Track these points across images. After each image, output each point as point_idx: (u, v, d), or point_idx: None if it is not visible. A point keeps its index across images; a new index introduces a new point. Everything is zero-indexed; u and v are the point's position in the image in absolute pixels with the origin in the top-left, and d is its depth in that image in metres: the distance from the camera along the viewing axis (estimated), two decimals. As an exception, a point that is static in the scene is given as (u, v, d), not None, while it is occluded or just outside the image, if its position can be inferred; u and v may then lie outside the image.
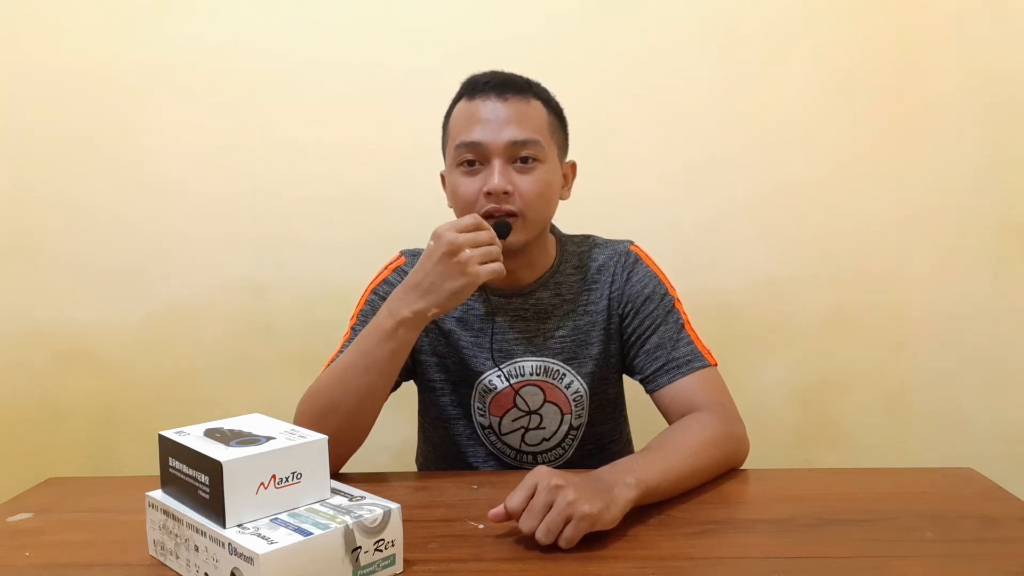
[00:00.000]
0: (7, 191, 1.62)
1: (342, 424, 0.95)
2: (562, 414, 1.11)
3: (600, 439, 1.15)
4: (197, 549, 0.70)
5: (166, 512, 0.74)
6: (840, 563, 0.73)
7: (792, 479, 1.03)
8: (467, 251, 0.92)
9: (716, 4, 1.54)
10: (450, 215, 1.05)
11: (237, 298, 1.62)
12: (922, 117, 1.54)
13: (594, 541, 0.77)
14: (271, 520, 0.69)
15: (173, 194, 1.61)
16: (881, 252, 1.56)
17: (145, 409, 1.64)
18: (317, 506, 0.72)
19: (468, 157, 1.02)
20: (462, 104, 1.05)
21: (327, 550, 0.66)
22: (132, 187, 1.61)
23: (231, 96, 1.59)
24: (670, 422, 1.04)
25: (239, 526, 0.67)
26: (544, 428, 1.11)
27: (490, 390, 1.10)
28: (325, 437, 0.74)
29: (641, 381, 1.10)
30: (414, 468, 1.28)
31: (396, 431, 1.36)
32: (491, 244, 0.94)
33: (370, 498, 0.73)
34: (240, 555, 0.64)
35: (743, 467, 1.01)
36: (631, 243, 1.15)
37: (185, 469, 0.71)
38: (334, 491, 0.75)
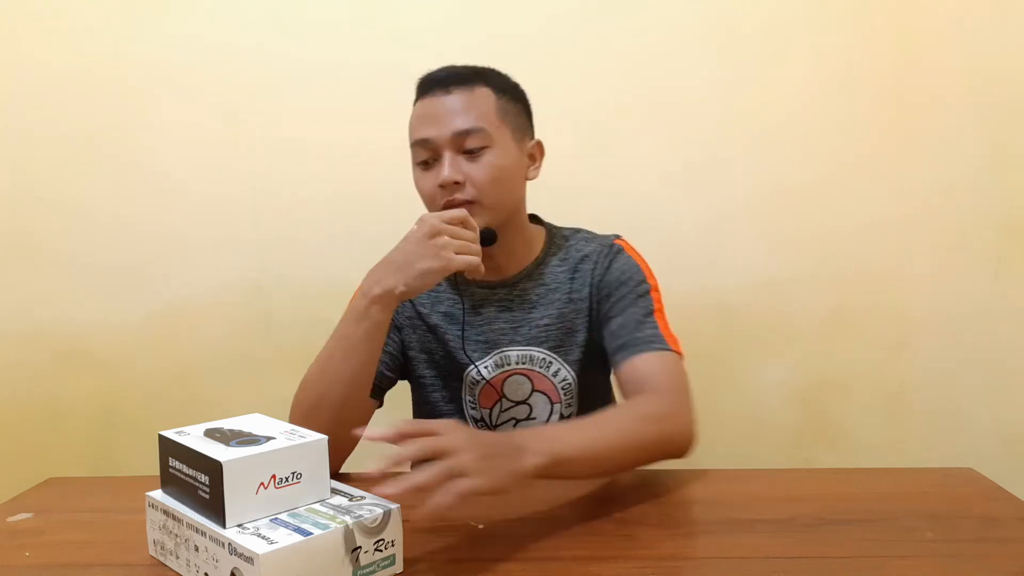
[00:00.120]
0: (7, 191, 1.62)
1: (332, 418, 0.96)
2: (551, 403, 1.11)
3: None
4: (197, 549, 0.70)
5: (166, 512, 0.74)
6: (840, 563, 0.73)
7: (792, 479, 1.03)
8: (446, 237, 0.95)
9: (716, 4, 1.54)
10: None
11: (237, 298, 1.62)
12: (922, 117, 1.54)
13: (595, 541, 0.77)
14: (271, 520, 0.69)
15: (173, 194, 1.61)
16: (881, 252, 1.56)
17: (145, 409, 1.64)
18: (317, 506, 0.72)
19: (422, 155, 1.05)
20: (416, 105, 1.07)
21: (327, 550, 0.66)
22: (132, 187, 1.61)
23: (231, 96, 1.59)
24: None
25: (239, 526, 0.67)
26: (535, 419, 1.12)
27: (477, 381, 1.11)
28: (325, 437, 0.74)
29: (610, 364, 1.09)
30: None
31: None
32: (472, 241, 0.97)
33: (370, 498, 0.74)
34: (240, 555, 0.64)
35: (744, 468, 1.01)
36: (618, 236, 1.16)
37: (185, 469, 0.71)
38: (334, 491, 0.75)
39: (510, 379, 1.10)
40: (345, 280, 1.01)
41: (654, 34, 1.55)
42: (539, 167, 1.12)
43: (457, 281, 1.13)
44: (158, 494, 0.76)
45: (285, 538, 0.65)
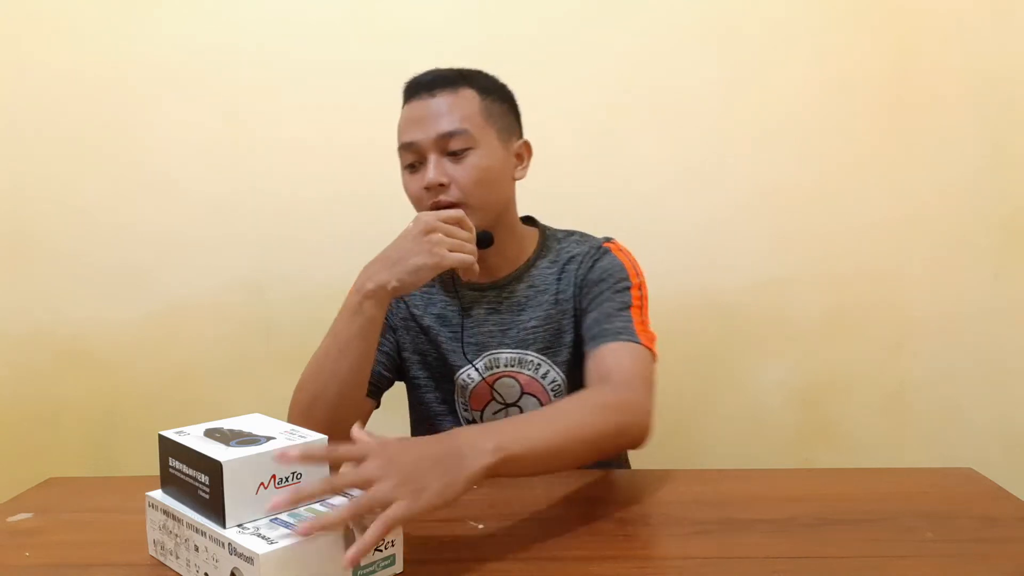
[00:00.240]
0: (7, 191, 1.62)
1: (330, 416, 0.96)
2: (541, 405, 1.11)
3: None
4: (197, 549, 0.70)
5: (166, 512, 0.74)
6: (840, 563, 0.73)
7: (792, 479, 1.03)
8: (440, 235, 0.95)
9: (716, 4, 1.54)
10: None
11: (237, 298, 1.62)
12: (922, 117, 1.54)
13: (595, 541, 0.77)
14: (271, 520, 0.69)
15: (173, 194, 1.61)
16: (881, 252, 1.56)
17: (145, 409, 1.64)
18: (317, 506, 0.72)
19: (409, 159, 1.06)
20: (403, 109, 1.08)
21: (327, 550, 0.66)
22: (132, 187, 1.61)
23: (231, 96, 1.59)
24: None
25: (239, 526, 0.67)
26: None
27: (468, 384, 1.11)
28: (325, 437, 0.74)
29: None
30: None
31: (392, 432, 1.35)
32: (467, 241, 0.97)
33: (370, 498, 0.73)
34: (240, 555, 0.64)
35: (744, 468, 1.01)
36: (608, 239, 1.15)
37: (185, 469, 0.71)
38: (334, 491, 0.75)
39: (499, 381, 1.10)
40: (345, 280, 1.01)
41: (654, 34, 1.55)
42: (527, 167, 1.12)
43: (454, 283, 1.13)
44: (158, 494, 0.76)
45: (285, 538, 0.65)
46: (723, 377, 1.60)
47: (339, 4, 1.56)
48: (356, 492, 0.75)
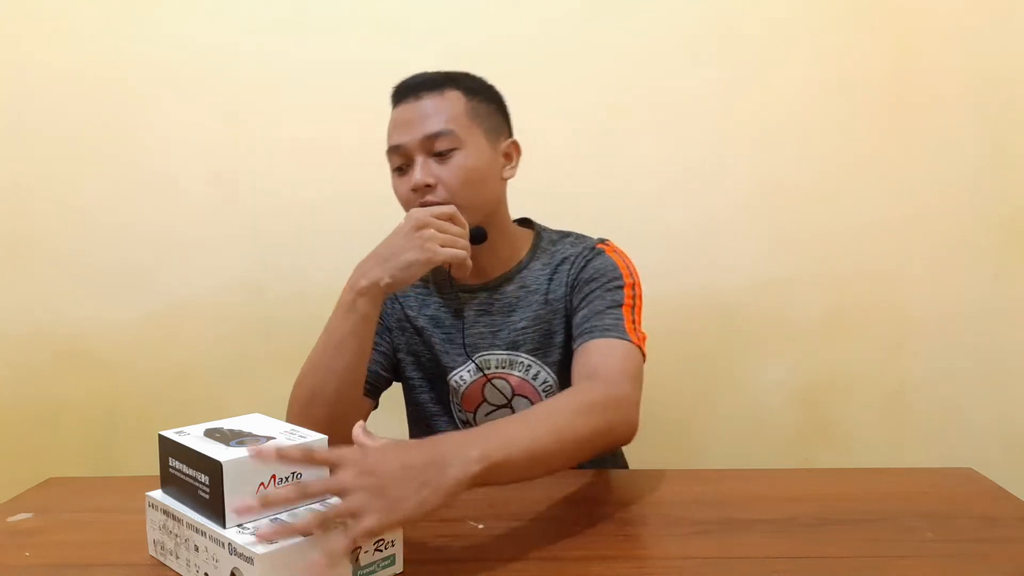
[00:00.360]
0: (7, 191, 1.62)
1: (327, 414, 0.96)
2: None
3: None
4: (197, 549, 0.70)
5: (166, 512, 0.74)
6: (840, 563, 0.73)
7: (792, 479, 1.03)
8: (432, 230, 0.95)
9: (716, 5, 1.53)
10: None
11: (237, 298, 1.62)
12: (922, 117, 1.54)
13: (595, 541, 0.76)
14: (271, 520, 0.69)
15: (173, 194, 1.61)
16: (881, 252, 1.56)
17: (145, 409, 1.64)
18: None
19: (397, 162, 1.06)
20: (391, 114, 1.08)
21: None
22: (132, 187, 1.61)
23: (231, 96, 1.59)
24: None
25: (239, 526, 0.67)
26: None
27: (461, 385, 1.11)
28: (325, 437, 0.74)
29: None
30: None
31: (390, 433, 1.35)
32: (460, 236, 0.97)
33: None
34: (240, 555, 0.64)
35: (744, 468, 1.01)
36: (603, 240, 1.14)
37: (185, 469, 0.71)
38: (334, 491, 0.75)
39: (490, 383, 1.10)
40: (344, 280, 1.01)
41: (655, 35, 1.55)
42: (516, 166, 1.12)
43: (450, 284, 1.13)
44: (158, 494, 0.76)
45: (284, 538, 0.65)
46: (723, 377, 1.60)
47: (339, 4, 1.56)
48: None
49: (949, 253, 1.55)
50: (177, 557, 0.73)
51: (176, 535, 0.72)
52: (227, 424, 0.77)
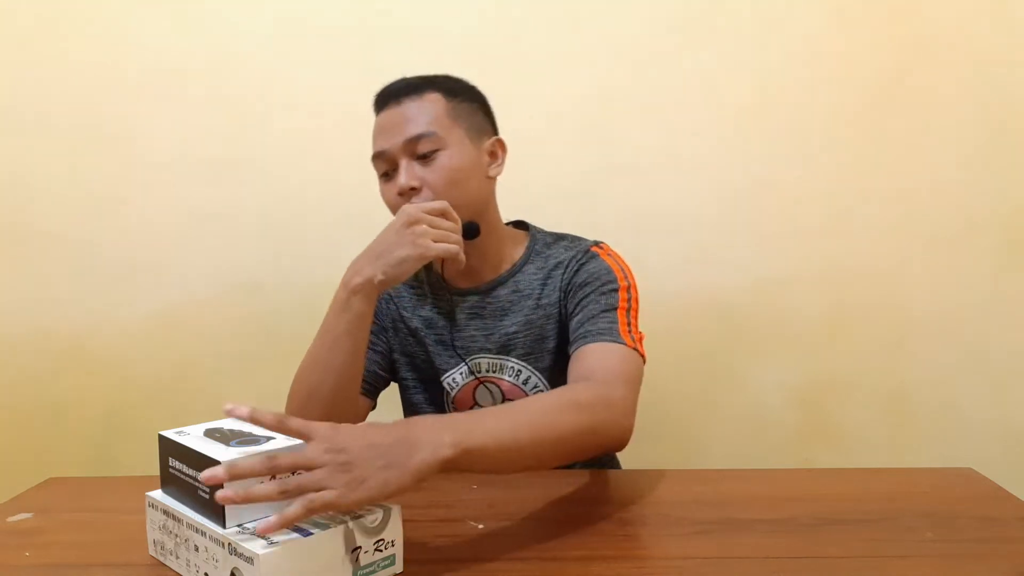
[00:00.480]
0: (7, 191, 1.62)
1: (325, 413, 0.96)
2: None
3: None
4: (197, 549, 0.70)
5: (166, 512, 0.74)
6: (840, 563, 0.73)
7: (792, 479, 1.03)
8: (424, 226, 0.95)
9: (718, 9, 1.53)
10: None
11: (237, 298, 1.62)
12: (922, 117, 1.53)
13: (595, 541, 0.76)
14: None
15: (173, 193, 1.61)
16: (881, 251, 1.56)
17: (145, 409, 1.64)
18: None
19: (382, 168, 1.07)
20: (374, 121, 1.09)
21: (327, 550, 0.66)
22: (132, 187, 1.61)
23: (231, 96, 1.59)
24: None
25: (239, 526, 0.67)
26: None
27: (453, 387, 1.11)
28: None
29: None
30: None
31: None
32: (452, 231, 0.97)
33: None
34: (240, 555, 0.64)
35: (744, 468, 1.00)
36: (597, 243, 1.14)
37: (185, 469, 0.71)
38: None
39: (481, 387, 1.10)
40: (345, 280, 1.02)
41: (655, 33, 1.54)
42: (502, 164, 1.11)
43: (443, 285, 1.13)
44: (158, 494, 0.76)
45: (285, 538, 0.65)
46: (723, 377, 1.60)
47: (339, 4, 1.56)
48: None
49: (949, 253, 1.55)
50: (177, 557, 0.73)
51: (176, 535, 0.72)
52: (227, 424, 0.77)
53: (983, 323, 1.56)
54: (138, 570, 0.75)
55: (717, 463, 1.60)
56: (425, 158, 1.03)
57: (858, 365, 1.58)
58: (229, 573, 0.66)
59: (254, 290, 1.62)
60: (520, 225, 1.19)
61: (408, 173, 1.02)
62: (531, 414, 0.81)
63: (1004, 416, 1.57)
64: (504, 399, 1.10)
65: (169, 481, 0.75)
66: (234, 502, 0.64)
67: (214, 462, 0.67)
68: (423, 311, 1.14)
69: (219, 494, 0.64)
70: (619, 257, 1.12)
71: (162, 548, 0.76)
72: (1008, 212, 1.54)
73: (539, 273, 1.11)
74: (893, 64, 1.53)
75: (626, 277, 1.08)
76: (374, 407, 1.14)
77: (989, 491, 0.91)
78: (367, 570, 0.69)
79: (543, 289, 1.10)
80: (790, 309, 1.58)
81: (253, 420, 0.67)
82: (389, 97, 1.06)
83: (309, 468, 0.66)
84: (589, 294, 1.05)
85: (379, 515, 0.70)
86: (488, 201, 1.10)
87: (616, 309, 1.03)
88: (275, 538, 0.65)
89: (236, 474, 0.64)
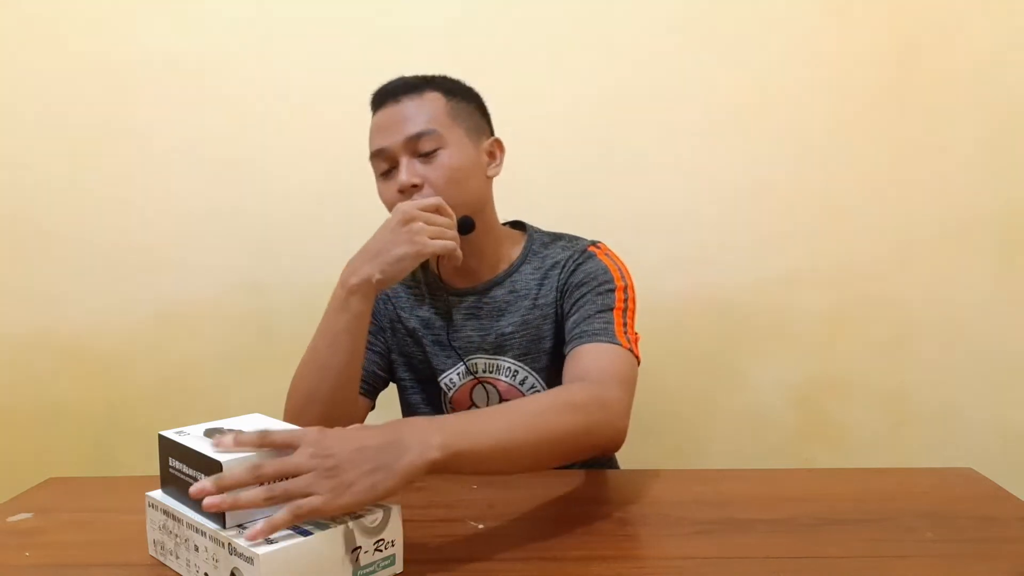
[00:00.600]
0: (8, 191, 1.62)
1: (324, 414, 0.96)
2: None
3: None
4: (197, 549, 0.70)
5: (166, 512, 0.74)
6: (840, 563, 0.73)
7: (792, 479, 1.03)
8: (420, 223, 0.95)
9: (718, 9, 1.53)
10: None
11: (237, 298, 1.62)
12: (922, 116, 1.53)
13: (594, 541, 0.76)
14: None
15: (173, 194, 1.61)
16: (881, 251, 1.56)
17: (145, 409, 1.64)
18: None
19: (382, 166, 1.06)
20: (372, 120, 1.08)
21: (327, 550, 0.66)
22: (132, 187, 1.61)
23: (231, 96, 1.59)
24: None
25: (239, 526, 0.67)
26: None
27: (450, 388, 1.11)
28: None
29: None
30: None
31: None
32: (448, 227, 0.97)
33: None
34: (240, 555, 0.64)
35: (744, 468, 1.00)
36: (595, 243, 1.13)
37: (185, 469, 0.71)
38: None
39: (478, 387, 1.10)
40: (345, 280, 1.01)
41: (655, 34, 1.54)
42: (500, 164, 1.12)
43: (440, 285, 1.13)
44: (158, 494, 0.76)
45: (285, 538, 0.65)
46: (723, 376, 1.60)
47: (339, 4, 1.56)
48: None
49: (949, 253, 1.55)
50: (177, 557, 0.73)
51: (176, 535, 0.72)
52: (227, 424, 0.77)
53: (983, 323, 1.56)
54: (138, 570, 0.75)
55: (717, 463, 1.60)
56: (426, 156, 1.03)
57: (858, 365, 1.58)
58: (229, 573, 0.66)
59: (254, 290, 1.62)
60: (517, 225, 1.19)
61: (409, 170, 1.02)
62: (524, 415, 0.80)
63: (1004, 416, 1.57)
64: (501, 400, 1.10)
65: (169, 481, 0.75)
66: (220, 509, 0.65)
67: (214, 462, 0.67)
68: (420, 311, 1.14)
69: (206, 501, 0.64)
70: (616, 257, 1.12)
71: (162, 548, 0.76)
72: (1008, 212, 1.54)
73: (536, 273, 1.11)
74: (893, 64, 1.53)
75: (623, 277, 1.08)
76: (373, 407, 1.14)
77: (989, 491, 0.91)
78: (367, 570, 0.69)
79: (540, 289, 1.10)
80: (790, 309, 1.58)
81: (238, 445, 0.68)
82: (388, 95, 1.06)
83: (296, 474, 0.66)
84: (585, 294, 1.05)
85: (379, 515, 0.70)
86: (486, 201, 1.10)
87: (612, 310, 1.03)
88: (275, 538, 0.65)
89: (223, 486, 0.65)
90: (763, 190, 1.56)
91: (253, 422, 0.78)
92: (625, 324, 1.02)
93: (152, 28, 1.58)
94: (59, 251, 1.62)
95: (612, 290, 1.05)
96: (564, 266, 1.09)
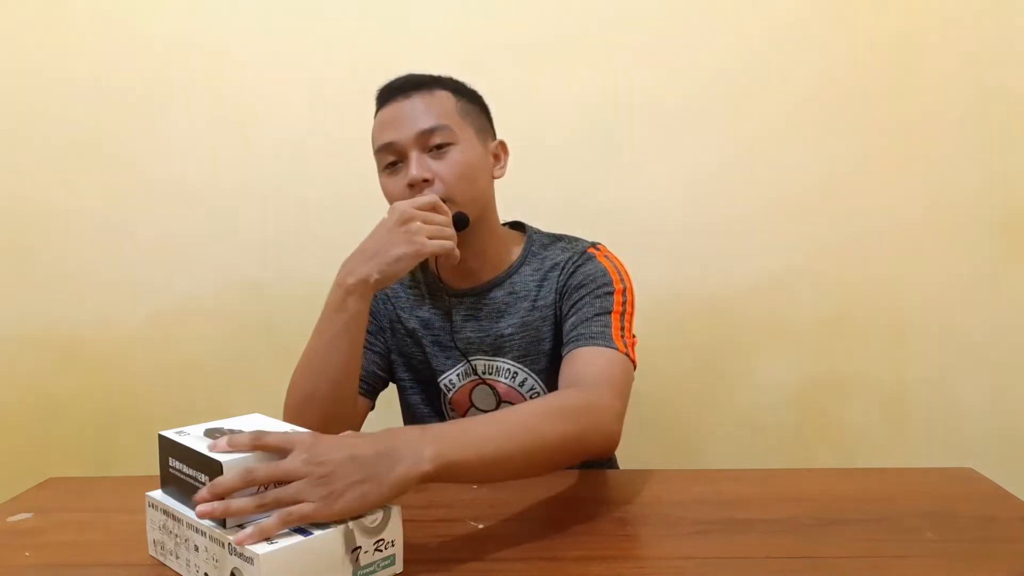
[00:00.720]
0: (8, 193, 1.62)
1: (323, 413, 0.96)
2: None
3: None
4: (197, 549, 0.70)
5: (166, 512, 0.74)
6: (840, 563, 0.73)
7: (792, 479, 1.02)
8: (418, 223, 0.94)
9: (718, 9, 1.53)
10: None
11: (237, 298, 1.62)
12: (922, 118, 1.53)
13: (594, 541, 0.76)
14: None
15: (173, 194, 1.61)
16: (881, 252, 1.56)
17: (145, 409, 1.64)
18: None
19: (388, 159, 1.05)
20: (377, 114, 1.08)
21: (327, 550, 0.66)
22: (132, 187, 1.61)
23: (231, 96, 1.59)
24: None
25: (239, 526, 0.67)
26: None
27: (450, 389, 1.11)
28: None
29: None
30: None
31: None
32: (445, 226, 0.96)
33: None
34: (240, 555, 0.64)
35: (745, 468, 1.00)
36: (594, 244, 1.13)
37: (185, 469, 0.71)
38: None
39: (477, 388, 1.10)
40: (344, 280, 1.01)
41: (655, 38, 1.54)
42: (504, 166, 1.12)
43: (440, 286, 1.13)
44: (158, 494, 0.76)
45: (285, 538, 0.65)
46: (723, 377, 1.60)
47: (340, 4, 1.56)
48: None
49: (949, 254, 1.55)
50: (177, 557, 0.73)
51: (176, 535, 0.72)
52: (227, 424, 0.77)
53: (983, 323, 1.56)
54: (138, 570, 0.75)
55: (717, 463, 1.60)
56: (437, 151, 1.02)
57: (858, 365, 1.58)
58: (229, 573, 0.66)
59: (254, 290, 1.62)
60: (517, 226, 1.19)
61: (420, 165, 1.01)
62: (517, 423, 0.80)
63: (1004, 416, 1.57)
64: (500, 401, 1.10)
65: (169, 481, 0.74)
66: (213, 516, 0.65)
67: (214, 462, 0.67)
68: (420, 312, 1.13)
69: (199, 508, 0.65)
70: (616, 259, 1.11)
71: (162, 548, 0.76)
72: (1008, 214, 1.54)
73: (535, 275, 1.10)
74: (894, 64, 1.53)
75: (622, 280, 1.07)
76: (373, 407, 1.14)
77: (989, 491, 0.91)
78: (367, 570, 0.69)
79: (539, 291, 1.09)
80: (790, 309, 1.58)
81: (232, 447, 0.68)
82: (397, 91, 1.05)
83: (288, 480, 0.66)
84: (584, 296, 1.05)
85: (379, 515, 0.70)
86: (490, 201, 1.10)
87: (610, 313, 1.02)
88: (275, 538, 0.65)
89: (216, 492, 0.65)
90: (764, 193, 1.56)
91: (253, 422, 0.78)
92: (623, 327, 1.02)
93: (149, 31, 1.58)
94: (59, 251, 1.62)
95: (611, 293, 1.05)
96: (563, 268, 1.09)
